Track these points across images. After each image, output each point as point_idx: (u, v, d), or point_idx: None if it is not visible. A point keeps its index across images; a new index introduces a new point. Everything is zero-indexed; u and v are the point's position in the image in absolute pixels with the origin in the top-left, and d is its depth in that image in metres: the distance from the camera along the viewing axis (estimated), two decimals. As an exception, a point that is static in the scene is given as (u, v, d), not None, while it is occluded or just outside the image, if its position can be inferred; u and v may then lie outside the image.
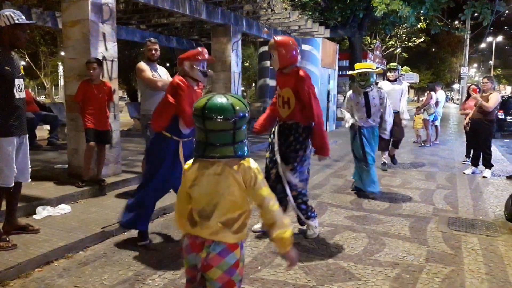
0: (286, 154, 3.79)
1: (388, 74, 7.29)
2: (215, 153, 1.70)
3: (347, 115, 5.50)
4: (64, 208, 4.50)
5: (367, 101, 5.31)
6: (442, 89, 12.18)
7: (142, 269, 3.30)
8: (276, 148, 3.83)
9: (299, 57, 3.79)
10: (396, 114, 6.56)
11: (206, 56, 3.57)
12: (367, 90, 5.31)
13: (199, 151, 1.74)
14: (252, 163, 1.76)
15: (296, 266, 3.32)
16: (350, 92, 5.58)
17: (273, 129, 3.97)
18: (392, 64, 7.65)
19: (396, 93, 7.02)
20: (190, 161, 1.83)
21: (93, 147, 5.12)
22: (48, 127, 9.20)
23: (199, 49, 3.58)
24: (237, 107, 1.69)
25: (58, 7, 7.02)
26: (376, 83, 5.88)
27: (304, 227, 4.08)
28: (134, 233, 4.14)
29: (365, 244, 3.86)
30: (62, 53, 9.10)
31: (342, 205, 5.21)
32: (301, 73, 3.68)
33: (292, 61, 3.71)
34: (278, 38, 3.74)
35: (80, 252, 3.65)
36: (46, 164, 6.42)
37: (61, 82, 26.37)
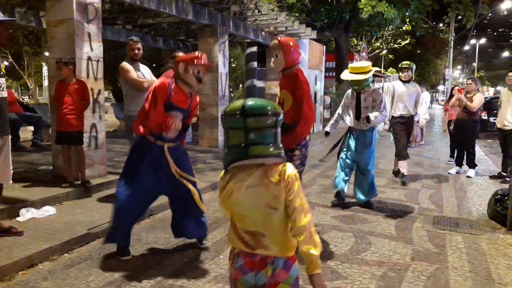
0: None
1: (400, 74, 6.48)
2: (259, 151, 1.56)
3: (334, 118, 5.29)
4: (49, 210, 4.43)
5: (358, 102, 5.01)
6: (427, 90, 12.36)
7: (128, 271, 3.28)
8: None
9: (301, 57, 3.77)
10: (408, 118, 6.34)
11: (204, 61, 3.39)
12: (360, 91, 4.99)
13: (238, 155, 1.58)
14: (291, 168, 1.62)
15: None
16: (349, 90, 5.23)
17: None
18: (404, 62, 6.54)
19: (409, 96, 6.35)
20: (221, 173, 1.70)
21: (65, 149, 5.12)
22: (32, 128, 9.05)
23: (198, 53, 3.42)
24: (275, 107, 1.62)
25: (42, 7, 6.93)
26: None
27: None
28: (120, 234, 4.11)
29: (351, 244, 3.89)
30: (47, 53, 9.00)
31: (329, 205, 5.24)
32: (300, 76, 3.67)
33: (295, 61, 3.70)
34: (283, 38, 3.75)
35: (65, 255, 3.60)
36: (30, 166, 6.32)
37: (46, 82, 26.00)
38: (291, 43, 3.70)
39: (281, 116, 1.61)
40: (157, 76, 6.30)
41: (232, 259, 1.72)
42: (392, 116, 6.45)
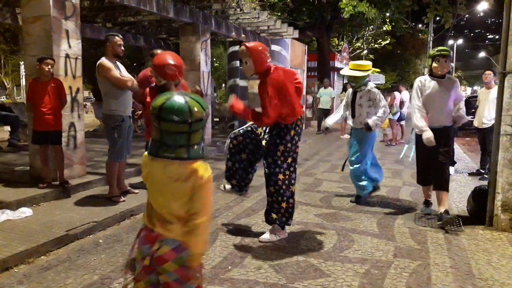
0: (268, 147, 3.82)
1: (434, 65, 4.39)
2: (169, 153, 1.68)
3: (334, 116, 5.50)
4: (25, 212, 4.30)
5: (353, 101, 5.13)
6: (406, 89, 12.55)
7: (108, 272, 3.20)
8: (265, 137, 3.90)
9: (269, 60, 3.75)
10: (443, 130, 4.43)
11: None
12: (357, 89, 5.12)
13: (153, 149, 1.71)
14: (203, 170, 1.71)
15: (267, 265, 3.32)
16: (350, 90, 5.38)
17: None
18: (442, 48, 4.46)
19: (444, 93, 4.36)
20: (146, 153, 1.80)
21: (43, 149, 5.01)
22: (8, 128, 8.82)
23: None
24: (195, 109, 1.66)
25: (18, 2, 6.74)
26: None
27: (267, 230, 3.97)
28: (99, 235, 4.03)
29: (334, 241, 3.89)
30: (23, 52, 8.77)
31: (312, 203, 5.24)
32: (273, 75, 3.64)
33: (265, 65, 3.68)
34: (251, 44, 3.69)
35: (42, 257, 3.50)
36: (6, 166, 6.13)
37: (23, 81, 25.40)
38: (260, 48, 3.68)
39: (201, 118, 1.67)
40: (137, 73, 6.23)
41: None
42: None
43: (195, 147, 1.71)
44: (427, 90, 4.40)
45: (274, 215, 3.86)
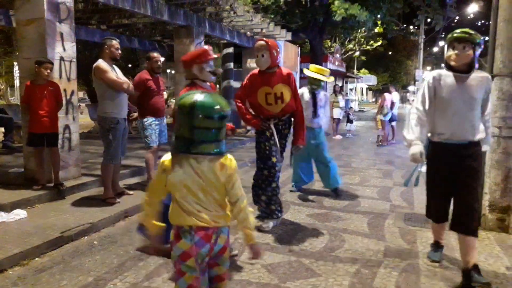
0: (282, 146, 4.25)
1: (448, 54, 3.15)
2: (200, 149, 1.79)
3: None
4: (20, 214, 4.32)
5: (315, 101, 5.60)
6: (396, 90, 12.69)
7: (102, 273, 3.24)
8: (277, 141, 4.14)
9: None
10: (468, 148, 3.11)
11: (213, 54, 3.45)
12: (315, 92, 5.65)
13: (182, 147, 1.80)
14: (233, 161, 1.88)
15: (259, 265, 3.37)
16: (304, 90, 5.72)
17: (268, 124, 4.16)
18: (459, 30, 3.12)
19: (468, 93, 3.07)
20: (169, 156, 1.87)
21: (38, 151, 5.04)
22: (2, 129, 8.80)
23: (206, 47, 3.47)
24: (223, 106, 1.80)
25: (12, 5, 6.75)
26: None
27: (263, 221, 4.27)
28: (94, 237, 4.06)
29: (326, 241, 3.96)
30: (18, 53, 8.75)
31: (304, 203, 5.31)
32: (289, 71, 4.22)
33: (277, 61, 4.10)
34: (268, 40, 4.07)
35: (37, 259, 3.52)
36: (0, 168, 6.14)
37: (17, 83, 25.23)
38: (276, 44, 4.10)
39: (228, 114, 1.82)
40: (133, 77, 6.26)
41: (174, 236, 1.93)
42: (430, 141, 3.31)
43: (224, 141, 1.84)
44: (443, 89, 3.12)
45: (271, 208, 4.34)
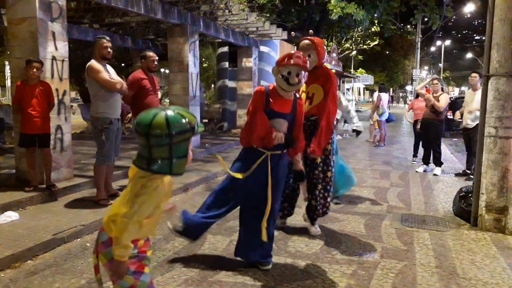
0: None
1: None
2: (135, 159, 1.82)
3: None
4: (11, 215, 4.26)
5: None
6: (386, 91, 12.74)
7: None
8: None
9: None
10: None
11: (295, 61, 3.13)
12: None
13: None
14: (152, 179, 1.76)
15: (255, 267, 3.32)
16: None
17: None
18: None
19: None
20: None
21: (30, 152, 4.96)
22: (-6, 130, 8.71)
23: (292, 52, 3.25)
24: (154, 125, 1.68)
25: (3, 3, 6.67)
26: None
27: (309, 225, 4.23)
28: (87, 239, 4.00)
29: (322, 243, 3.92)
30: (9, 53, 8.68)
31: (300, 205, 5.26)
32: (330, 72, 3.98)
33: (324, 60, 3.98)
34: (314, 38, 3.95)
35: (29, 261, 3.47)
36: (-9, 170, 6.07)
37: (8, 82, 25.07)
38: (322, 42, 3.97)
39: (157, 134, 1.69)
40: (127, 77, 6.20)
41: None
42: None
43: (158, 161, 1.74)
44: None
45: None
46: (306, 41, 3.91)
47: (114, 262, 1.80)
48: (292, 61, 3.12)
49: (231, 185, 3.31)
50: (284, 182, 3.51)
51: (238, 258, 3.48)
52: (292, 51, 3.26)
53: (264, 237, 3.15)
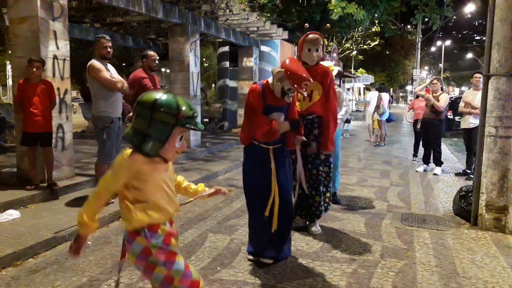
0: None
1: None
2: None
3: None
4: (13, 214, 4.27)
5: None
6: (387, 91, 12.77)
7: (97, 274, 3.20)
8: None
9: None
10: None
11: (303, 87, 3.20)
12: None
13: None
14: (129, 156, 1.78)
15: (255, 265, 3.34)
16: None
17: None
18: None
19: None
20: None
21: (31, 150, 4.98)
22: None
23: (304, 75, 3.17)
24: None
25: (5, 3, 6.68)
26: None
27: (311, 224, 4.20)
28: (88, 237, 4.01)
29: (322, 241, 3.93)
30: (10, 52, 8.70)
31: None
32: (327, 68, 3.98)
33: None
34: (319, 33, 3.99)
35: (30, 259, 3.48)
36: (-8, 168, 6.09)
37: (9, 82, 25.08)
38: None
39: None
40: (127, 76, 6.22)
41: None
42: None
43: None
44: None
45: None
46: (317, 36, 3.94)
47: (141, 256, 1.82)
48: (301, 87, 3.17)
49: (252, 189, 3.41)
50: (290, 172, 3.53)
51: (238, 257, 3.50)
52: (304, 74, 3.19)
53: (275, 227, 3.28)
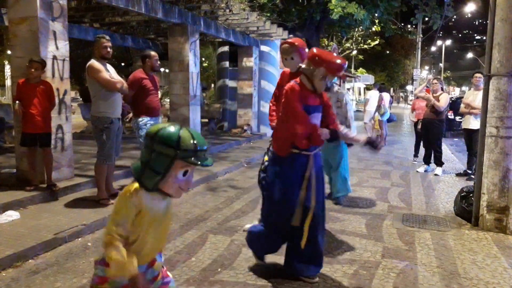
0: None
1: None
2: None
3: None
4: (12, 215, 4.26)
5: None
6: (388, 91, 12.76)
7: (96, 276, 3.18)
8: None
9: None
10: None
11: (341, 73, 2.99)
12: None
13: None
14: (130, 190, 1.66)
15: (256, 266, 3.33)
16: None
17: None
18: None
19: None
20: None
21: (30, 151, 4.97)
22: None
23: (342, 64, 2.93)
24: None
25: (4, 3, 6.67)
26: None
27: None
28: (88, 238, 4.00)
29: (323, 243, 3.91)
30: (9, 52, 8.69)
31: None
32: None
33: None
34: (297, 40, 3.78)
35: (30, 261, 3.47)
36: (-8, 169, 6.07)
37: (8, 82, 25.04)
38: (304, 43, 3.79)
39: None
40: (127, 76, 6.19)
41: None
42: None
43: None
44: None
45: None
46: (287, 45, 3.76)
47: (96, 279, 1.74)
48: (341, 72, 2.96)
49: (289, 200, 3.04)
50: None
51: (239, 258, 3.49)
52: (338, 59, 2.95)
53: (304, 241, 3.02)
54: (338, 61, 2.92)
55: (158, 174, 1.60)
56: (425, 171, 7.49)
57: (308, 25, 16.67)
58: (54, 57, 5.23)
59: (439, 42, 42.40)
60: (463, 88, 52.32)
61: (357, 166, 7.94)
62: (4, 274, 3.20)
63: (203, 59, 27.15)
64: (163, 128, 1.61)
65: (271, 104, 4.17)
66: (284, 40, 3.92)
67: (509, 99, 4.15)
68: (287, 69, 3.89)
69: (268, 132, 10.96)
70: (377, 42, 29.22)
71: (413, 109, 9.07)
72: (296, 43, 3.75)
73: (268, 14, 12.43)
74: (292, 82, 3.00)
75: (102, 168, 4.82)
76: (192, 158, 1.58)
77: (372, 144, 3.09)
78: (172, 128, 1.60)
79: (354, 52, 31.17)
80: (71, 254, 3.61)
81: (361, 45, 29.62)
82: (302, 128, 2.89)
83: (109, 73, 4.77)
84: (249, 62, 12.44)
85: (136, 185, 1.65)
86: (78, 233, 4.02)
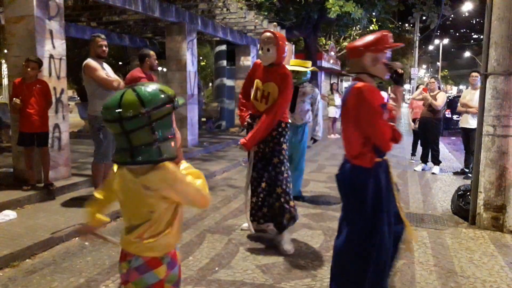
0: (271, 148, 3.68)
1: None
2: (115, 158, 1.50)
3: None
4: (9, 214, 4.25)
5: (295, 96, 4.98)
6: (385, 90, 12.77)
7: (94, 275, 3.18)
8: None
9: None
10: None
11: (391, 41, 2.54)
12: (299, 85, 5.17)
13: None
14: (164, 168, 1.47)
15: (254, 266, 3.33)
16: None
17: (246, 124, 3.85)
18: None
19: None
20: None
21: (28, 150, 4.95)
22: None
23: (384, 33, 2.53)
24: (125, 105, 1.41)
25: (0, 2, 6.64)
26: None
27: (279, 237, 3.76)
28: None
29: (321, 241, 3.92)
30: (6, 51, 8.67)
31: (299, 203, 5.26)
32: (287, 71, 3.65)
33: (284, 57, 3.67)
34: (277, 32, 3.68)
35: (27, 260, 3.46)
36: (-11, 168, 6.05)
37: (5, 81, 24.95)
38: (284, 38, 3.71)
39: (133, 115, 1.40)
40: (124, 75, 6.19)
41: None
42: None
43: (142, 149, 1.44)
44: None
45: (286, 218, 3.67)
46: (268, 34, 3.60)
47: None
48: (391, 43, 2.53)
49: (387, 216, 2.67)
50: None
51: (237, 257, 3.49)
52: (382, 32, 2.55)
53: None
54: (373, 36, 2.53)
55: (171, 137, 1.48)
56: (423, 169, 7.50)
57: (305, 24, 16.67)
58: (51, 56, 5.22)
59: (436, 41, 42.45)
60: (461, 86, 52.39)
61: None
62: (1, 274, 3.20)
63: (201, 58, 27.11)
64: (143, 95, 1.41)
65: (240, 97, 4.04)
66: (266, 29, 3.78)
67: (506, 98, 4.16)
68: (259, 61, 3.78)
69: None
70: (374, 41, 29.20)
71: (411, 108, 9.08)
72: (277, 35, 3.61)
73: (266, 13, 12.43)
74: (361, 83, 2.43)
75: (99, 167, 4.81)
76: (175, 103, 1.48)
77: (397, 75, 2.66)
78: (149, 89, 1.45)
79: (352, 51, 31.13)
80: (68, 253, 3.61)
81: (359, 44, 29.58)
82: (389, 131, 2.51)
83: (106, 71, 4.76)
84: (247, 61, 12.44)
85: (167, 163, 1.48)
86: (75, 232, 4.01)
